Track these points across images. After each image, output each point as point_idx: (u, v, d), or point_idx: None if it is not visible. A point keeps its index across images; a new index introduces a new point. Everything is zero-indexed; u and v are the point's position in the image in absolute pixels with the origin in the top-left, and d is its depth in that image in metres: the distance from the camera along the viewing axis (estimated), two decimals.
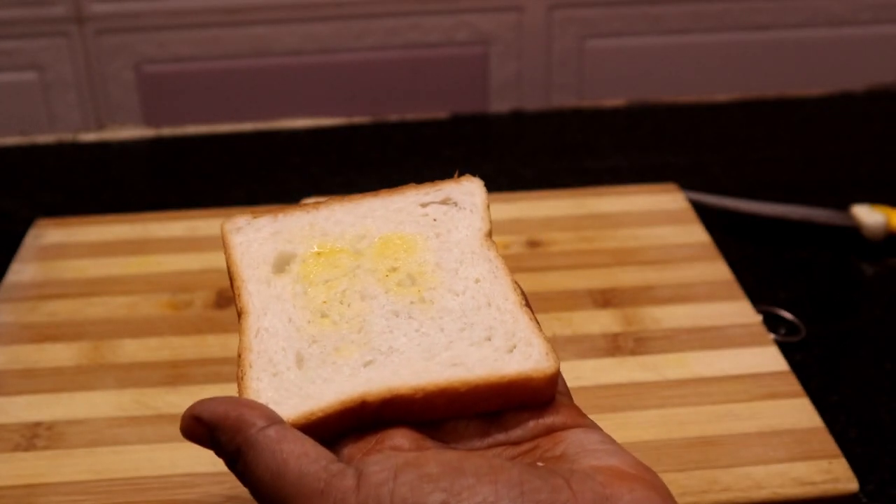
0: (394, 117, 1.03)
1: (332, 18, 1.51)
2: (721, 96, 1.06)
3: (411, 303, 0.43)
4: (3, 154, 0.98)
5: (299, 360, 0.41)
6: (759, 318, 0.69)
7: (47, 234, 0.79)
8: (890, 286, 0.77)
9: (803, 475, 0.56)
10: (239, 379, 0.41)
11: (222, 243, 0.46)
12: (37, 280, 0.74)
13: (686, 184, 0.85)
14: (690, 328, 0.68)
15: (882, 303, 0.75)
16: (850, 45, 1.45)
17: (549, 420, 0.40)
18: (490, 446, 0.39)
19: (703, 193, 0.84)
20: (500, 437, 0.39)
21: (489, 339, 0.41)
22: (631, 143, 0.99)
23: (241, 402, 0.38)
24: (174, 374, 0.65)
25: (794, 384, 0.63)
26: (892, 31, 1.45)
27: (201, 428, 0.38)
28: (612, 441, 0.39)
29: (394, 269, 0.45)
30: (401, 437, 0.38)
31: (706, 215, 0.81)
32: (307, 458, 0.35)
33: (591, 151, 0.97)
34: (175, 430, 0.60)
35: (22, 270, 0.75)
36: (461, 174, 0.49)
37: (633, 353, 0.66)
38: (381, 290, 0.44)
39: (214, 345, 0.67)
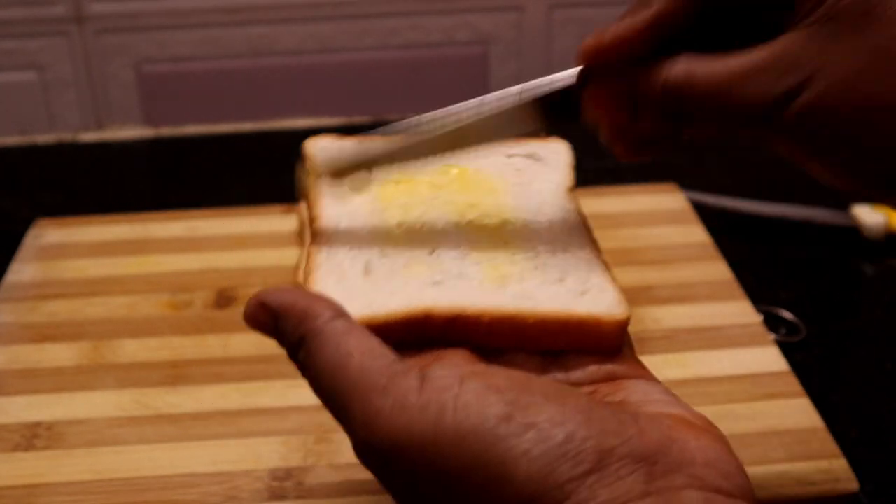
0: (394, 117, 1.03)
1: (332, 18, 1.51)
2: None
3: (487, 236, 0.42)
4: (3, 154, 0.98)
5: (367, 270, 0.40)
6: (760, 318, 0.69)
7: (47, 234, 0.79)
8: (890, 286, 0.77)
9: (803, 475, 0.56)
10: (304, 278, 0.40)
11: (302, 157, 0.46)
12: (37, 280, 0.74)
13: (686, 184, 0.85)
14: (690, 328, 0.68)
15: (882, 303, 0.75)
16: None
17: (610, 367, 0.39)
18: None
19: (703, 193, 0.84)
20: (559, 375, 0.39)
21: (562, 281, 0.41)
22: None
23: (310, 293, 0.37)
24: (174, 374, 0.65)
25: (794, 384, 0.63)
26: None
27: (266, 314, 0.36)
28: (675, 396, 0.38)
29: (472, 205, 0.44)
30: (460, 356, 0.37)
31: (706, 215, 0.81)
32: (372, 353, 0.34)
33: (591, 151, 0.97)
34: (175, 429, 0.60)
35: (22, 270, 0.75)
36: (548, 136, 0.49)
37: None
38: (458, 221, 0.43)
39: (214, 345, 0.67)
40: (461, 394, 0.32)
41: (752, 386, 0.62)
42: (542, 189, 0.46)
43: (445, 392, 0.32)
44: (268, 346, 0.68)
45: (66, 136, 1.01)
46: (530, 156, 0.48)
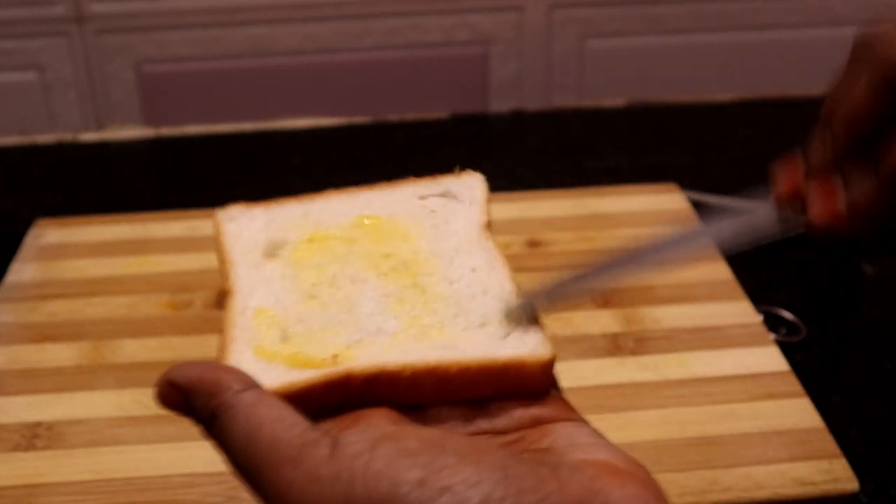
0: (394, 117, 1.03)
1: (332, 18, 1.51)
2: (721, 96, 1.06)
3: (404, 287, 0.42)
4: (3, 154, 0.98)
5: (284, 338, 0.40)
6: (760, 318, 0.69)
7: (47, 234, 0.79)
8: (890, 286, 0.77)
9: (803, 475, 0.56)
10: (220, 353, 0.40)
11: (214, 232, 0.46)
12: (37, 280, 0.74)
13: (686, 184, 0.85)
14: (691, 328, 0.68)
15: (882, 303, 0.75)
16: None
17: (536, 411, 0.38)
18: (473, 434, 0.37)
19: (703, 193, 0.84)
20: (484, 424, 0.38)
21: (484, 326, 0.40)
22: (631, 143, 0.99)
23: (217, 365, 0.36)
24: None
25: (794, 384, 0.63)
26: None
27: (176, 393, 0.36)
28: (602, 437, 0.37)
29: (387, 255, 0.44)
30: (380, 417, 0.36)
31: (706, 215, 0.81)
32: (282, 423, 0.33)
33: (591, 151, 0.97)
34: (175, 429, 0.60)
35: (22, 270, 0.75)
36: (462, 170, 0.48)
37: (633, 353, 0.65)
38: (373, 275, 0.43)
39: (214, 345, 0.67)
40: (372, 460, 0.32)
41: (752, 386, 0.62)
42: (458, 229, 0.45)
43: (356, 459, 0.32)
44: None
45: (66, 136, 1.01)
46: (444, 194, 0.47)
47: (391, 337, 0.40)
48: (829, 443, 0.58)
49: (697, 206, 0.82)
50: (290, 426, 0.33)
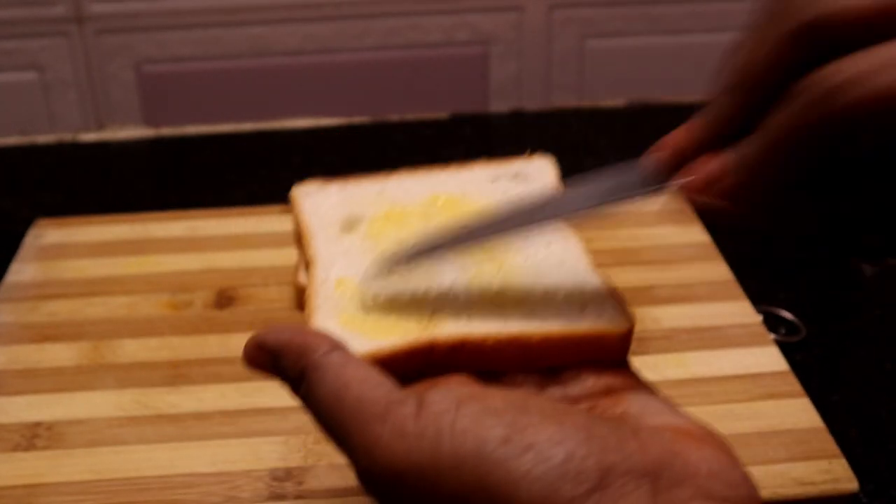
0: (394, 117, 1.03)
1: (332, 18, 1.51)
2: None
3: (481, 261, 0.43)
4: (3, 154, 0.98)
5: (366, 307, 0.41)
6: (760, 318, 0.69)
7: (47, 234, 0.79)
8: (890, 286, 0.77)
9: (803, 475, 0.56)
10: (305, 320, 0.41)
11: (292, 206, 0.46)
12: (37, 280, 0.74)
13: None
14: (690, 328, 0.68)
15: (882, 303, 0.75)
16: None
17: (608, 380, 0.39)
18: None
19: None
20: (557, 392, 0.39)
21: (563, 298, 0.41)
22: (631, 143, 0.99)
23: (305, 328, 0.37)
24: (174, 374, 0.65)
25: (794, 384, 0.63)
26: None
27: (264, 354, 0.37)
28: (674, 406, 0.38)
29: None
30: (458, 380, 0.37)
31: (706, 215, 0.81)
32: (368, 383, 0.34)
33: (591, 151, 0.97)
34: (175, 429, 0.60)
35: (22, 270, 0.75)
36: (532, 153, 0.49)
37: (633, 353, 0.65)
38: None
39: (214, 345, 0.67)
40: (458, 418, 0.32)
41: (752, 386, 0.62)
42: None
43: (442, 417, 0.32)
44: None
45: (66, 136, 1.01)
46: (516, 176, 0.48)
47: (473, 307, 0.40)
48: (829, 443, 0.58)
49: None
50: (377, 385, 0.34)
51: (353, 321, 0.40)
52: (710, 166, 0.38)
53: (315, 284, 0.42)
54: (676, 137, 0.41)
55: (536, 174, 0.48)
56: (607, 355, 0.40)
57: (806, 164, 0.35)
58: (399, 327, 0.40)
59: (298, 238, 0.46)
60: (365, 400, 0.34)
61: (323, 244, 0.44)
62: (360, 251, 0.44)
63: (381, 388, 0.34)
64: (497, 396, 0.34)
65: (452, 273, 0.42)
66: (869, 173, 0.35)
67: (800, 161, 0.34)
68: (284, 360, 0.36)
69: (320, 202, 0.47)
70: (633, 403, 0.37)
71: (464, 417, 0.32)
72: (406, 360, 0.38)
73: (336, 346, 0.36)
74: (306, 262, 0.44)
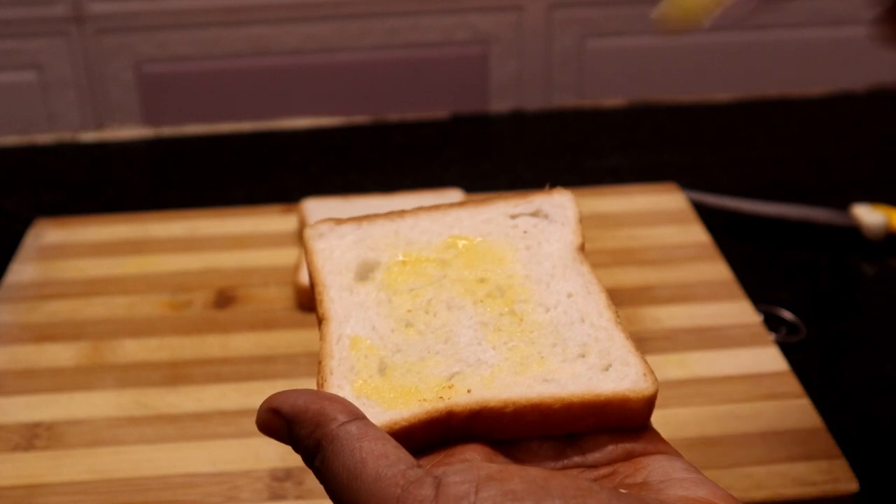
0: (394, 117, 1.03)
1: (332, 18, 1.51)
2: (721, 96, 1.06)
3: (500, 315, 0.41)
4: (3, 154, 0.98)
5: (382, 369, 0.40)
6: (760, 318, 0.69)
7: (47, 234, 0.79)
8: (890, 286, 0.77)
9: (803, 475, 0.56)
10: (319, 386, 0.39)
11: (304, 251, 0.45)
12: (37, 280, 0.74)
13: (686, 184, 0.85)
14: (690, 328, 0.68)
15: (882, 303, 0.75)
16: (850, 45, 1.45)
17: (629, 444, 0.38)
18: (565, 468, 0.37)
19: (703, 193, 0.84)
20: (577, 458, 0.37)
21: (583, 356, 0.40)
22: (631, 143, 0.99)
23: (322, 394, 0.36)
24: (174, 374, 0.65)
25: (794, 384, 0.63)
26: None
27: (279, 421, 0.36)
28: (697, 470, 0.37)
29: (482, 280, 0.43)
30: (472, 452, 0.36)
31: (706, 215, 0.81)
32: (386, 459, 0.33)
33: (591, 151, 0.97)
34: (175, 429, 0.60)
35: (22, 270, 0.75)
36: (552, 188, 0.47)
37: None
38: (469, 301, 0.42)
39: (214, 345, 0.67)
40: (478, 502, 0.31)
41: (752, 386, 0.62)
42: (552, 251, 0.44)
43: (462, 501, 0.31)
44: (267, 346, 0.68)
45: (66, 136, 1.01)
46: (535, 213, 0.46)
47: (490, 369, 0.39)
48: (829, 443, 0.58)
49: (697, 206, 0.82)
50: (395, 462, 0.33)
51: (368, 387, 0.39)
52: None
53: (329, 344, 0.41)
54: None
55: (557, 211, 0.46)
56: (630, 421, 0.38)
57: None
58: (416, 393, 0.38)
59: (312, 287, 0.45)
60: (382, 479, 0.33)
61: (337, 296, 0.43)
62: (376, 304, 0.42)
63: (398, 465, 0.33)
64: (517, 478, 0.32)
65: (471, 330, 0.41)
66: None
67: None
68: (299, 428, 0.35)
69: (333, 245, 0.45)
70: (654, 470, 0.36)
71: (484, 501, 0.31)
72: (423, 431, 0.37)
73: (354, 415, 0.35)
74: (319, 319, 0.43)
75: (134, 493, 0.56)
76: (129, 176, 0.97)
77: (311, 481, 0.56)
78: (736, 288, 0.72)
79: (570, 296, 0.42)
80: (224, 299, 0.72)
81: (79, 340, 0.68)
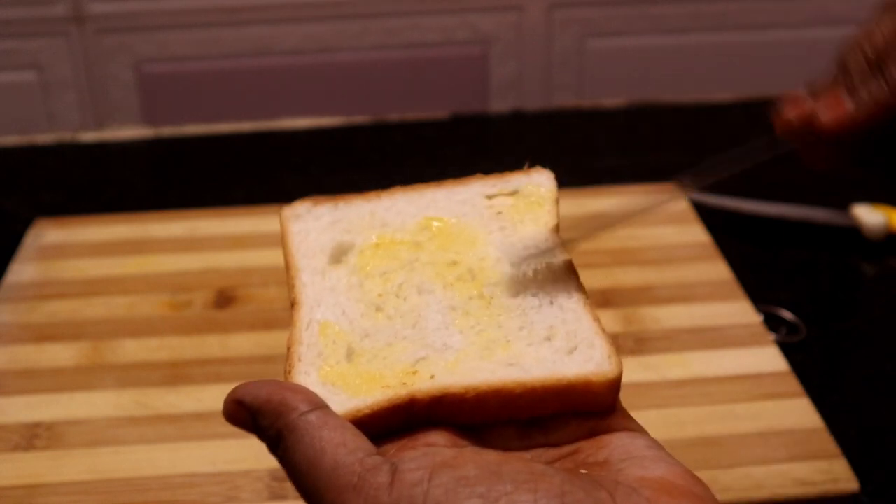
0: (394, 117, 1.03)
1: (332, 18, 1.51)
2: (721, 96, 1.06)
3: (469, 298, 0.41)
4: (3, 154, 0.98)
5: (350, 355, 0.40)
6: (760, 318, 0.69)
7: (47, 234, 0.79)
8: (890, 286, 0.77)
9: (803, 475, 0.56)
10: (287, 373, 0.40)
11: (281, 231, 0.45)
12: (37, 280, 0.74)
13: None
14: (690, 328, 0.68)
15: (882, 303, 0.75)
16: None
17: (592, 422, 0.38)
18: (528, 447, 0.37)
19: (703, 193, 0.84)
20: (540, 438, 0.38)
21: (549, 339, 0.39)
22: (631, 143, 0.99)
23: (284, 385, 0.37)
24: (174, 374, 0.65)
25: (794, 384, 0.63)
26: None
27: (243, 412, 0.36)
28: (660, 447, 0.37)
29: (454, 263, 0.43)
30: (437, 435, 0.37)
31: (706, 215, 0.81)
32: (345, 447, 0.34)
33: (591, 151, 0.97)
34: (175, 429, 0.60)
35: (22, 270, 0.75)
36: (531, 166, 0.47)
37: (633, 353, 0.65)
38: (440, 285, 0.42)
39: (214, 345, 0.67)
40: (431, 489, 0.32)
41: (752, 386, 0.62)
42: (525, 233, 0.44)
43: (415, 487, 0.32)
44: (267, 346, 0.68)
45: (66, 136, 1.01)
46: (512, 193, 0.46)
47: (456, 354, 0.39)
48: (829, 443, 0.58)
49: (697, 206, 0.82)
50: (353, 450, 0.34)
51: (334, 373, 0.39)
52: (841, 107, 0.45)
53: (299, 330, 0.41)
54: (796, 103, 0.46)
55: (534, 190, 0.46)
56: (594, 404, 0.38)
57: None
58: (380, 379, 0.38)
59: (286, 269, 0.45)
60: (340, 467, 0.33)
61: (309, 280, 0.43)
62: (347, 288, 0.42)
63: (356, 453, 0.34)
64: (470, 463, 0.33)
65: (440, 314, 0.41)
66: None
67: None
68: (262, 418, 0.36)
69: (309, 227, 0.45)
70: (615, 448, 0.37)
71: (436, 489, 0.32)
72: (387, 418, 0.37)
73: (315, 404, 0.35)
74: (291, 303, 0.43)
75: (134, 493, 0.56)
76: (129, 176, 0.97)
77: None
78: (736, 288, 0.72)
79: (540, 280, 0.42)
80: (224, 299, 0.72)
81: (79, 340, 0.68)
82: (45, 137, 1.00)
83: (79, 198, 0.90)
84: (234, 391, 0.36)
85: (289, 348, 0.40)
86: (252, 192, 0.90)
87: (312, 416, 0.35)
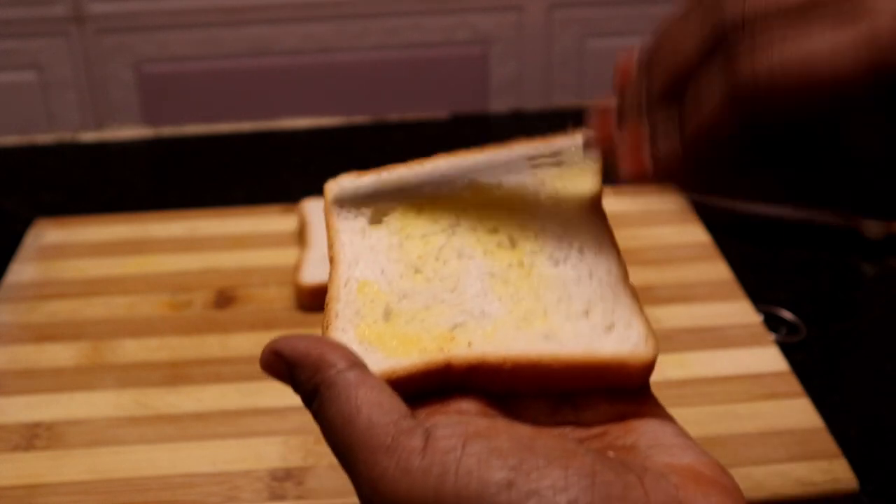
0: (394, 117, 1.03)
1: (332, 18, 1.51)
2: None
3: (509, 266, 0.41)
4: (3, 154, 0.98)
5: (387, 314, 0.40)
6: (760, 318, 0.69)
7: (47, 234, 0.79)
8: (890, 286, 0.77)
9: (803, 475, 0.56)
10: (324, 328, 0.39)
11: (324, 200, 0.45)
12: (37, 280, 0.74)
13: None
14: (690, 328, 0.68)
15: (882, 303, 0.75)
16: None
17: (622, 406, 0.38)
18: (558, 424, 0.37)
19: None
20: (570, 416, 0.38)
21: (586, 314, 0.39)
22: None
23: (324, 340, 0.37)
24: (174, 374, 0.65)
25: (794, 384, 0.63)
26: None
27: (281, 363, 0.36)
28: (687, 436, 0.37)
29: (495, 230, 0.43)
30: (467, 403, 0.37)
31: (706, 215, 0.81)
32: (380, 408, 0.34)
33: None
34: (175, 429, 0.60)
35: (22, 270, 0.75)
36: (574, 129, 0.46)
37: None
38: (480, 251, 0.42)
39: (214, 345, 0.67)
40: (463, 457, 0.32)
41: (752, 386, 0.62)
42: (569, 202, 0.44)
43: (448, 454, 0.32)
44: None
45: (66, 136, 1.01)
46: (556, 161, 0.45)
47: (493, 322, 0.39)
48: (829, 443, 0.58)
49: (697, 206, 0.82)
50: (388, 411, 0.34)
51: (371, 332, 0.39)
52: (640, 159, 0.41)
53: (337, 287, 0.41)
54: (603, 123, 0.42)
55: (578, 158, 0.45)
56: (627, 383, 0.38)
57: (740, 142, 0.37)
58: (417, 342, 0.38)
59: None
60: (374, 427, 0.34)
61: (348, 239, 0.43)
62: (387, 248, 0.42)
63: (391, 414, 0.34)
64: (504, 434, 0.33)
65: (479, 280, 0.41)
66: (813, 142, 0.37)
67: (732, 140, 0.37)
68: (300, 372, 0.36)
69: (349, 193, 0.45)
70: (644, 434, 0.37)
71: (469, 457, 0.32)
72: (421, 381, 0.37)
73: (353, 362, 0.35)
74: (330, 261, 0.43)
75: (134, 493, 0.56)
76: (129, 176, 0.97)
77: (312, 481, 0.56)
78: (736, 288, 0.72)
79: (581, 250, 0.42)
80: (224, 299, 0.72)
81: (79, 340, 0.68)
82: (45, 137, 1.00)
83: (79, 198, 0.90)
84: (273, 342, 0.36)
85: (326, 304, 0.40)
86: (252, 192, 0.90)
87: (351, 374, 0.35)
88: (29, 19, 1.48)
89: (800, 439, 0.58)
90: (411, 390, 0.37)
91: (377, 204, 0.44)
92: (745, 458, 0.57)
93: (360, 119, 1.03)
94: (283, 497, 0.56)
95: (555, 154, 0.45)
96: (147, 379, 0.64)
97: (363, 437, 0.33)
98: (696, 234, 0.78)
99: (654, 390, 0.64)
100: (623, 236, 0.79)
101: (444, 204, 0.44)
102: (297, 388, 0.36)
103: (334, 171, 0.96)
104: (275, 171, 0.94)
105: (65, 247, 0.78)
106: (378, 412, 0.34)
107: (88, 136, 1.01)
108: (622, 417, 0.38)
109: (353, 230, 0.43)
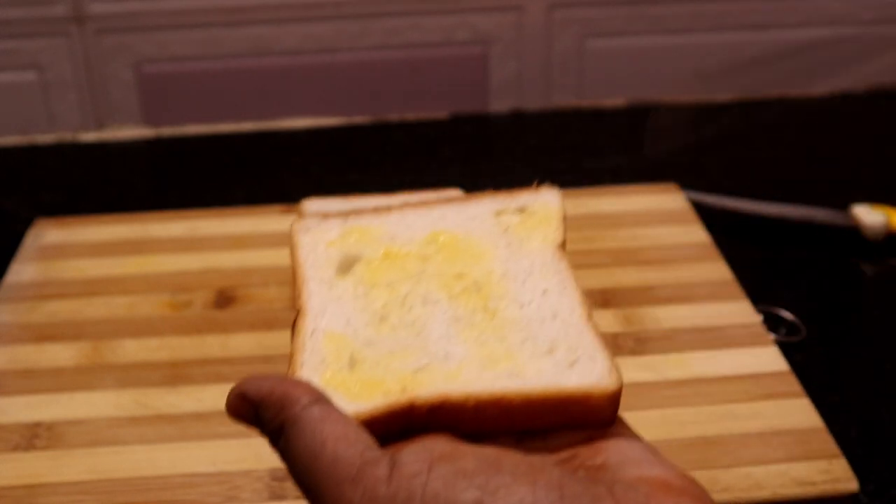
0: (394, 117, 1.03)
1: (332, 18, 1.51)
2: (721, 96, 1.06)
3: (474, 311, 0.42)
4: (3, 154, 0.98)
5: (352, 363, 0.40)
6: (760, 318, 0.69)
7: (47, 234, 0.79)
8: (890, 286, 0.77)
9: (803, 475, 0.56)
10: (289, 373, 0.40)
11: (290, 243, 0.46)
12: (37, 280, 0.74)
13: (686, 184, 0.85)
14: (690, 328, 0.68)
15: (882, 303, 0.75)
16: (850, 45, 1.45)
17: (590, 430, 0.38)
18: (526, 452, 0.37)
19: (703, 193, 0.84)
20: (537, 443, 0.38)
21: (550, 352, 0.40)
22: (631, 143, 0.99)
23: (288, 379, 0.37)
24: (174, 374, 0.65)
25: (794, 384, 0.63)
26: (892, 32, 1.45)
27: (246, 406, 0.36)
28: (656, 452, 0.37)
29: (460, 276, 0.43)
30: (433, 438, 0.36)
31: (706, 215, 0.81)
32: (346, 440, 0.34)
33: (591, 151, 0.97)
34: (175, 429, 0.60)
35: (22, 270, 0.75)
36: (540, 184, 0.48)
37: (633, 353, 0.66)
38: (445, 296, 0.42)
39: (214, 345, 0.67)
40: (430, 481, 0.32)
41: (752, 386, 0.62)
42: (532, 248, 0.45)
43: (414, 479, 0.32)
44: (267, 346, 0.68)
45: (66, 136, 1.01)
46: (521, 210, 0.46)
47: (458, 363, 0.39)
48: (829, 443, 0.58)
49: (697, 206, 0.82)
50: (353, 444, 0.34)
51: (335, 380, 0.39)
52: None
53: (302, 337, 0.41)
54: None
55: (542, 208, 0.46)
56: (594, 419, 0.38)
57: None
58: (381, 385, 0.38)
59: (293, 280, 0.45)
60: (339, 460, 0.33)
61: (316, 289, 0.44)
62: (353, 298, 0.43)
63: (356, 446, 0.34)
64: (469, 455, 0.33)
65: (444, 325, 0.41)
66: None
67: None
68: (264, 411, 0.36)
69: (318, 240, 0.45)
70: (612, 452, 0.37)
71: (435, 480, 0.32)
72: (386, 423, 0.37)
73: (317, 398, 0.35)
74: (296, 313, 0.43)
75: (134, 493, 0.56)
76: (129, 176, 0.97)
77: None
78: (736, 288, 0.72)
79: (544, 293, 0.43)
80: (224, 299, 0.72)
81: (79, 340, 0.68)
82: (45, 137, 1.00)
83: (79, 198, 0.90)
84: (237, 385, 0.36)
85: (291, 356, 0.40)
86: (252, 192, 0.90)
87: (315, 410, 0.35)
88: (29, 19, 1.47)
89: (799, 439, 0.58)
90: (377, 434, 0.36)
91: (345, 253, 0.45)
92: (744, 458, 0.57)
93: (360, 119, 1.03)
94: (283, 497, 0.56)
95: (520, 208, 0.47)
96: (147, 379, 0.64)
97: (329, 471, 0.33)
98: (696, 234, 0.78)
99: (655, 390, 0.65)
100: (623, 236, 0.80)
101: (410, 251, 0.45)
102: (263, 428, 0.36)
103: (334, 171, 0.96)
104: (275, 171, 0.94)
105: (65, 247, 0.78)
106: (343, 445, 0.34)
107: (88, 136, 1.01)
108: (589, 440, 0.38)
109: (321, 280, 0.44)
